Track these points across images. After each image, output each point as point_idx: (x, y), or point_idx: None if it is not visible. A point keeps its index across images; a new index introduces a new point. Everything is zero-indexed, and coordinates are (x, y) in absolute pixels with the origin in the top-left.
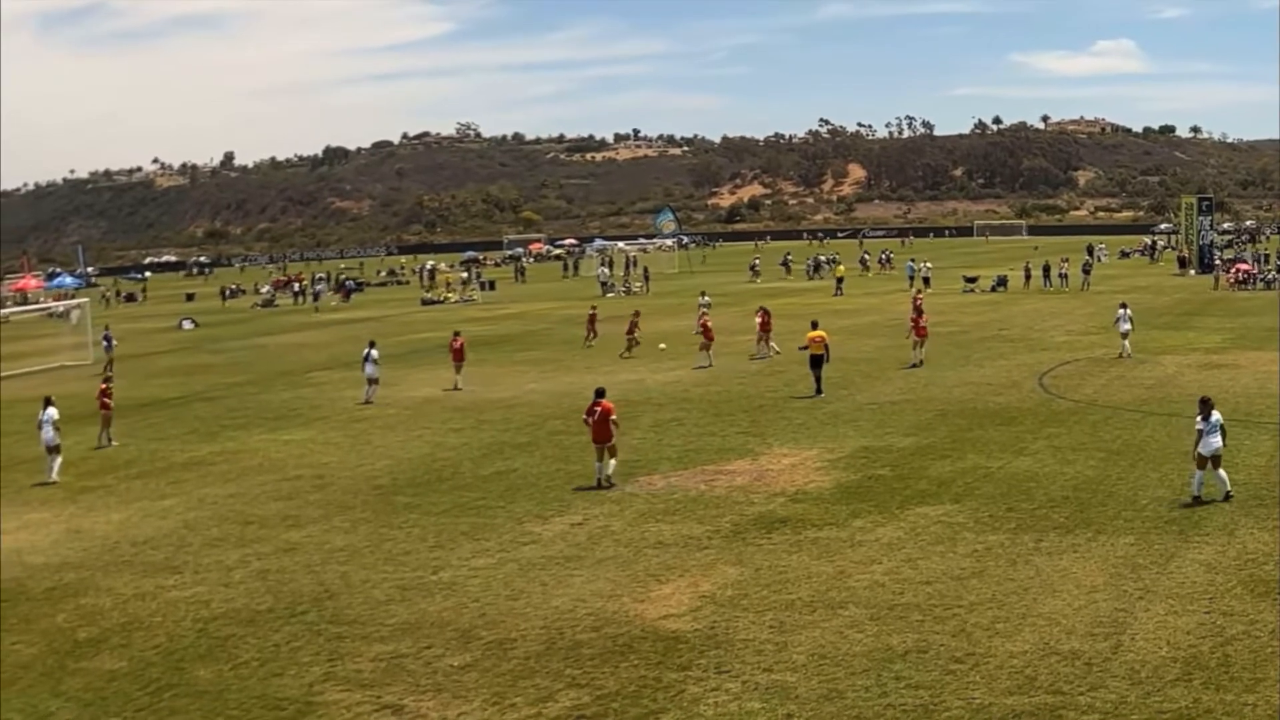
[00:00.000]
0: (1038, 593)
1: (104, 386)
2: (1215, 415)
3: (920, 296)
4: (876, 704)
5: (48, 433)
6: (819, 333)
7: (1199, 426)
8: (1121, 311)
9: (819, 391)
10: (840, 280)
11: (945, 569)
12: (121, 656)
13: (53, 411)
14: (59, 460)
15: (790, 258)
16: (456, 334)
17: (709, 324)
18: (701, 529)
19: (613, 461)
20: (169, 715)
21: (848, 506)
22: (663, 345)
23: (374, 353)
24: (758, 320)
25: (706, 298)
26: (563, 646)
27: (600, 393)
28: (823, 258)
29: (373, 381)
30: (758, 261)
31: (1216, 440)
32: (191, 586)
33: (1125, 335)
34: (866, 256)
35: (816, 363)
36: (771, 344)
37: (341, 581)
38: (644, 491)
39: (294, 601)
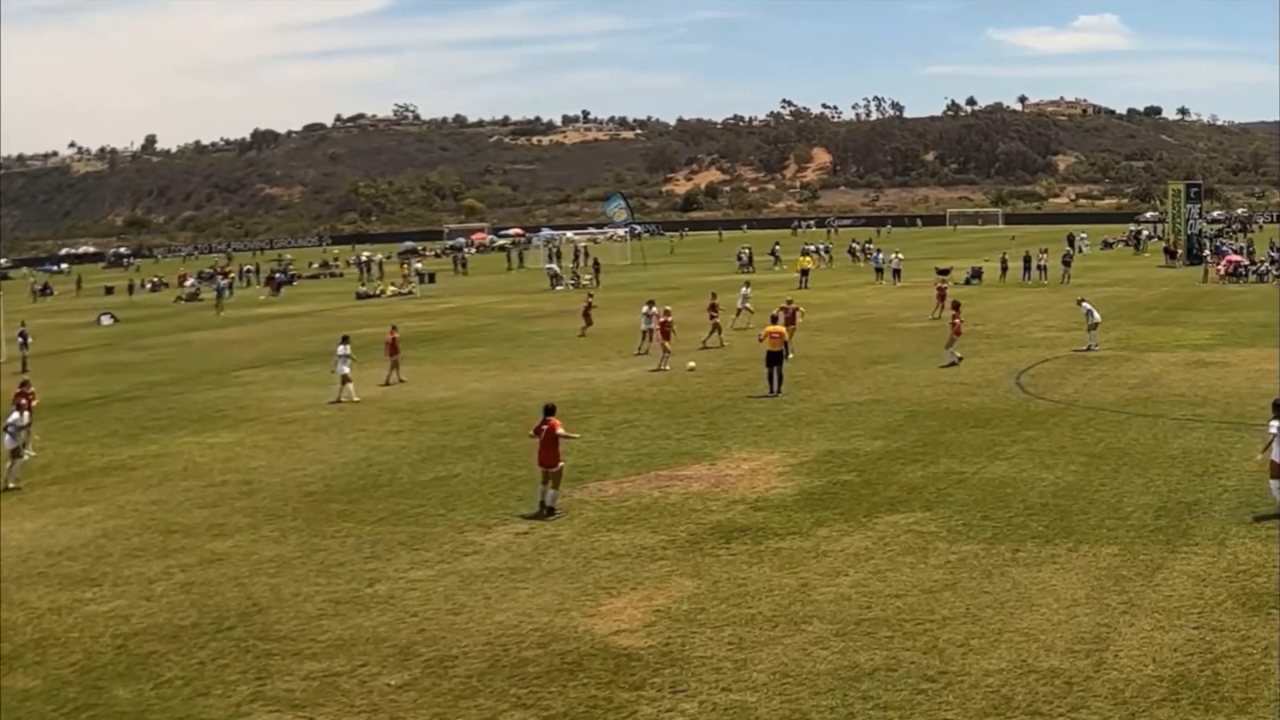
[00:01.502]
0: (1014, 607)
1: (20, 389)
2: None
3: (945, 285)
4: None
5: (6, 438)
6: (778, 327)
7: (1273, 431)
8: (1088, 306)
9: (775, 391)
10: (805, 273)
11: (916, 581)
12: (35, 675)
13: (15, 416)
14: (19, 464)
15: (779, 247)
16: (393, 327)
17: (670, 322)
18: (656, 539)
19: (552, 492)
20: None
21: (812, 514)
22: (692, 364)
23: (346, 349)
24: (783, 315)
25: (748, 289)
26: (507, 664)
27: (549, 410)
28: (811, 248)
29: (345, 380)
30: (746, 251)
31: None
32: (110, 600)
33: (1095, 327)
34: (855, 246)
35: (775, 360)
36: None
37: (271, 595)
38: (594, 499)
39: (220, 616)
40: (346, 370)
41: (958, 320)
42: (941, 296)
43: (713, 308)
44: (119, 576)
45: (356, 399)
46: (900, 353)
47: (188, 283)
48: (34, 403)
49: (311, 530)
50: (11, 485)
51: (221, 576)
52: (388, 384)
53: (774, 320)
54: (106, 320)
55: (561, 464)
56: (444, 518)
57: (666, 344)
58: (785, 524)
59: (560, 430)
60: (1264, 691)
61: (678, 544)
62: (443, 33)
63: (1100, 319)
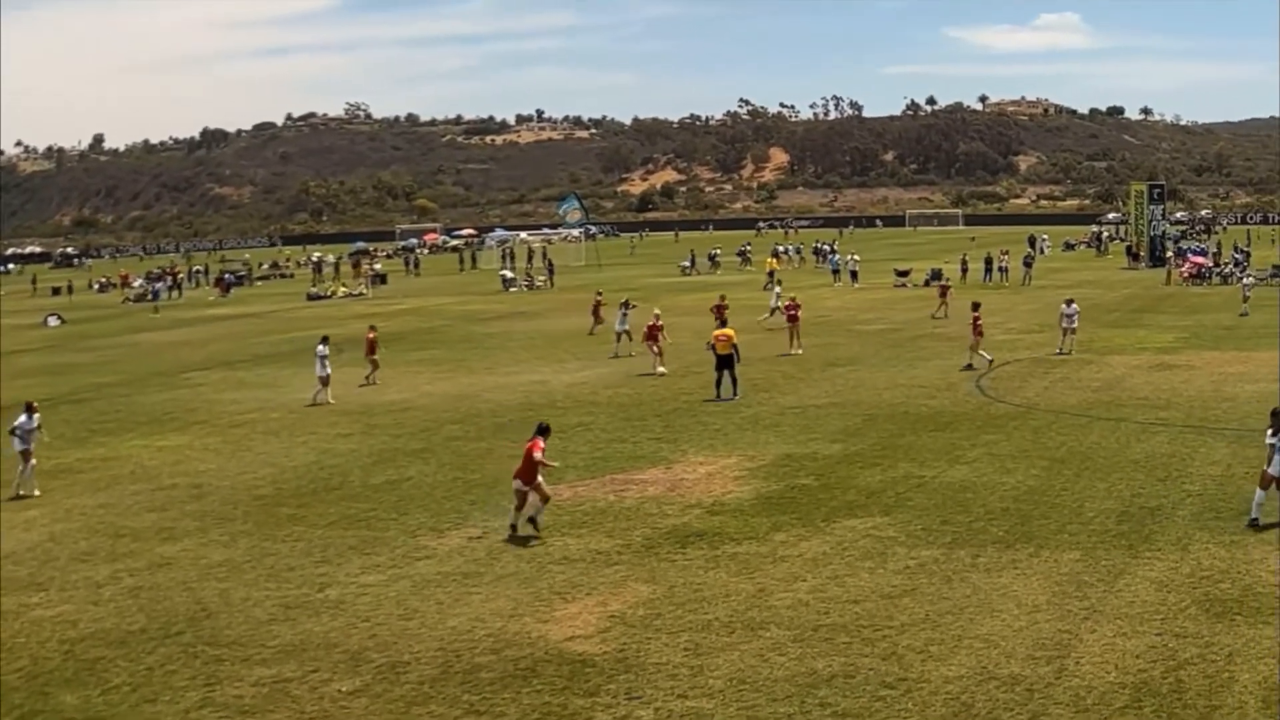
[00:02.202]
0: (975, 613)
1: None
2: None
3: (949, 284)
4: None
5: (15, 442)
6: (728, 330)
7: (1270, 441)
8: (1076, 308)
9: (731, 395)
10: (772, 274)
11: (874, 587)
12: None
13: (23, 419)
14: (30, 467)
15: (749, 247)
16: (371, 327)
17: (660, 325)
18: (611, 543)
19: (527, 515)
20: None
21: (769, 519)
22: (662, 370)
23: (324, 349)
24: (786, 314)
25: (779, 287)
26: (460, 670)
27: (540, 429)
28: (781, 249)
29: (324, 381)
30: (717, 252)
31: None
32: (57, 605)
33: (1071, 332)
34: (824, 247)
35: (725, 363)
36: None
37: (220, 599)
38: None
39: (168, 621)
40: (327, 372)
41: (979, 321)
42: (944, 294)
43: (720, 309)
44: (66, 581)
45: (332, 401)
46: (859, 355)
47: (136, 283)
48: None
49: (261, 534)
50: (22, 493)
51: (170, 581)
52: (368, 383)
53: (723, 324)
54: (54, 321)
55: (531, 487)
56: (396, 522)
57: (656, 346)
58: (742, 528)
59: (537, 454)
60: (1227, 699)
61: (633, 549)
62: (395, 29)
63: (1077, 326)
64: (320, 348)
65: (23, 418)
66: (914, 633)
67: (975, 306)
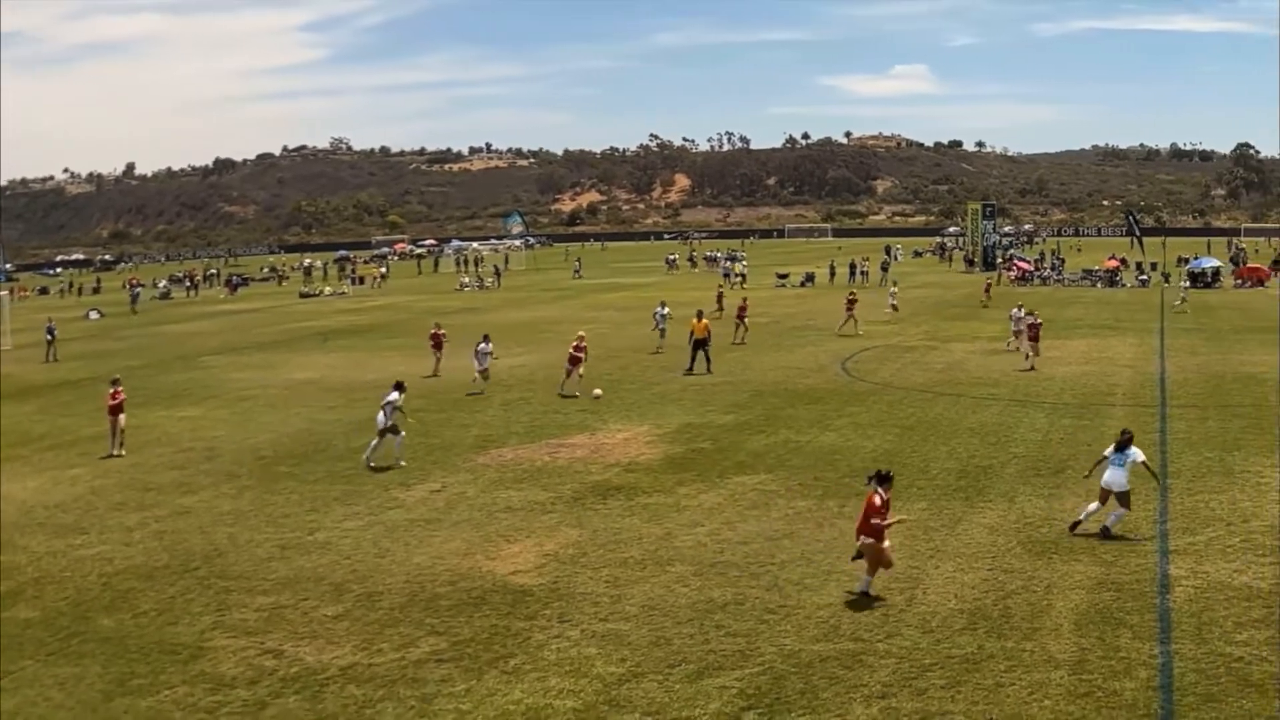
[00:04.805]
0: (841, 552)
1: (114, 391)
2: (1132, 450)
3: (991, 282)
4: (700, 649)
5: (381, 416)
6: (704, 321)
7: (1106, 453)
8: (1022, 314)
9: (706, 370)
10: (743, 277)
11: (760, 531)
12: (34, 607)
13: (395, 395)
14: (399, 441)
15: (699, 254)
16: (437, 324)
17: (584, 347)
18: (546, 495)
19: (864, 578)
20: (76, 659)
21: (674, 476)
22: (598, 391)
23: (488, 346)
24: (847, 303)
25: (896, 288)
26: (424, 599)
27: (879, 478)
28: (710, 255)
29: (483, 371)
30: (674, 257)
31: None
32: (97, 545)
33: (1021, 335)
34: (716, 254)
35: (699, 345)
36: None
37: (229, 541)
38: (495, 463)
39: (187, 559)
40: (485, 366)
41: (1037, 325)
42: (987, 290)
43: (741, 310)
44: (104, 526)
45: (483, 391)
46: (747, 342)
47: (162, 284)
48: (122, 399)
49: (262, 488)
50: (373, 464)
51: (188, 526)
52: (435, 375)
53: (699, 316)
54: (94, 315)
55: (872, 540)
56: (372, 478)
57: (578, 370)
58: (652, 483)
59: (873, 512)
60: (1046, 622)
61: (564, 500)
62: (372, 78)
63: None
64: (482, 345)
65: (394, 394)
66: (792, 568)
67: (1033, 315)
